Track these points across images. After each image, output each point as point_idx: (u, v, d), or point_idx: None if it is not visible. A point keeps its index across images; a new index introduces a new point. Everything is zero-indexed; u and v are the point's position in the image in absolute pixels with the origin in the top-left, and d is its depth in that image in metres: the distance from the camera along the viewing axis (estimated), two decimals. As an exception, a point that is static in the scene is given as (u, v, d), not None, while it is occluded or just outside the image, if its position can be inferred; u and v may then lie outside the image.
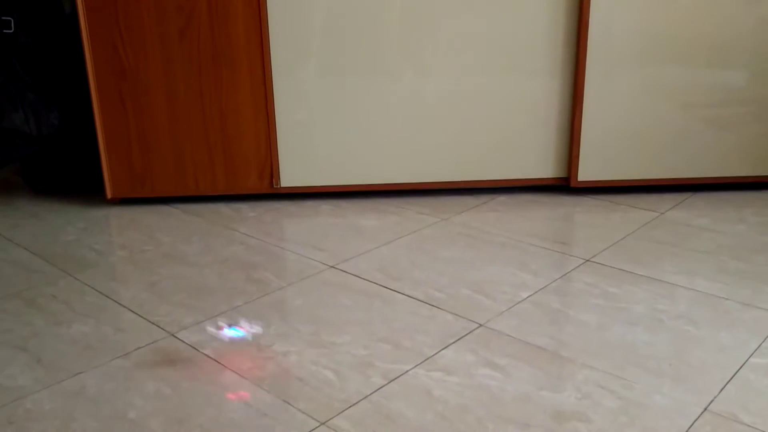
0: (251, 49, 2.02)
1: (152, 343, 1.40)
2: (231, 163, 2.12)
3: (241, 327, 1.45)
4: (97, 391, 1.24)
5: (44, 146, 2.22)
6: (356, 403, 1.19)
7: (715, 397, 1.18)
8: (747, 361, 1.29)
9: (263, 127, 2.09)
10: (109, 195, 2.15)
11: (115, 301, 1.58)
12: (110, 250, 1.86)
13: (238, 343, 1.39)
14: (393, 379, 1.25)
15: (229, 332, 1.43)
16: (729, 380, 1.23)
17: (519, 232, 1.90)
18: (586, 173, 2.13)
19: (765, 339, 1.36)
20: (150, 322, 1.48)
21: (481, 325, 1.43)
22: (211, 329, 1.44)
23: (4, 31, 2.11)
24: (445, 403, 1.18)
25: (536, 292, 1.57)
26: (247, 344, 1.38)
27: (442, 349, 1.35)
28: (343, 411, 1.17)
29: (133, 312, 1.52)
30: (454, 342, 1.37)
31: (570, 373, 1.26)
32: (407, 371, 1.28)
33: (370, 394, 1.21)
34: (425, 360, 1.31)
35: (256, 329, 1.43)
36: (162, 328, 1.45)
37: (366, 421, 1.14)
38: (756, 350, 1.32)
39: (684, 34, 2.01)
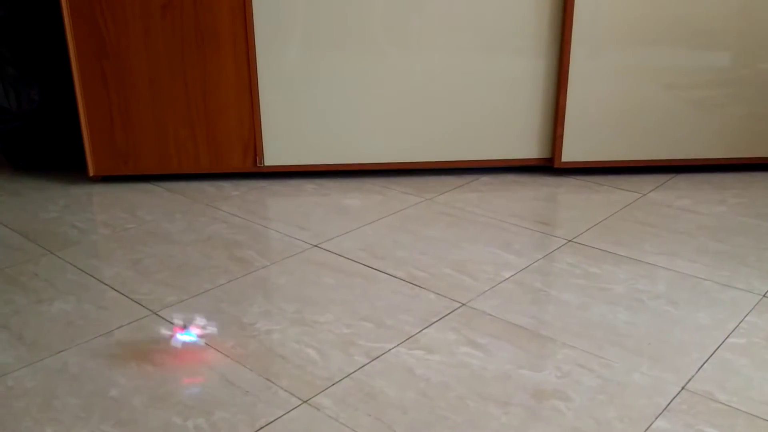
0: (235, 24, 2.00)
1: (135, 321, 1.39)
2: (214, 141, 2.11)
3: None
4: (79, 368, 1.24)
5: (25, 122, 2.19)
6: (338, 381, 1.20)
7: (692, 376, 1.20)
8: (725, 341, 1.31)
9: (246, 104, 2.07)
10: (91, 172, 2.13)
11: (97, 279, 1.57)
12: (92, 228, 1.85)
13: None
14: (375, 358, 1.26)
15: None
16: (707, 360, 1.25)
17: (502, 213, 1.91)
18: (569, 154, 2.14)
19: (742, 319, 1.38)
20: (132, 300, 1.48)
21: (463, 305, 1.44)
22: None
23: (-17, 4, 2.07)
24: (426, 381, 1.19)
25: (518, 271, 1.58)
26: (231, 322, 1.38)
27: (424, 328, 1.36)
28: (325, 389, 1.17)
29: (115, 290, 1.52)
30: (436, 321, 1.38)
31: (550, 352, 1.27)
32: (389, 350, 1.29)
33: (353, 373, 1.22)
34: (407, 339, 1.32)
35: None
36: (145, 307, 1.45)
37: (348, 399, 1.15)
38: (733, 330, 1.34)
39: (670, 15, 2.01)
